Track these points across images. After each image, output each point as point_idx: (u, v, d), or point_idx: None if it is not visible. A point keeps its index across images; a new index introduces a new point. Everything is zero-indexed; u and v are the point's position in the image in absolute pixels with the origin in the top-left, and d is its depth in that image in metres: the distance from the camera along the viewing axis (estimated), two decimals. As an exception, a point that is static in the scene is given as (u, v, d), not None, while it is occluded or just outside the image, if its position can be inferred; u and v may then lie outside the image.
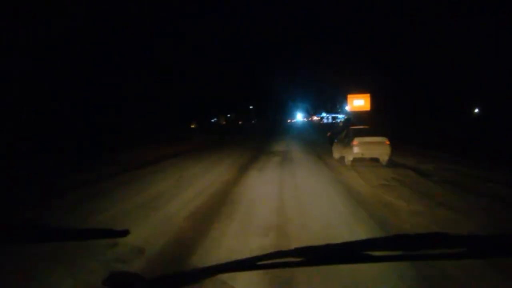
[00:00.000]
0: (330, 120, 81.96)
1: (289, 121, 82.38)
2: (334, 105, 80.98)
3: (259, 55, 79.31)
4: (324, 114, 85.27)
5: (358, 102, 23.94)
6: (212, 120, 64.31)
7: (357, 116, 23.45)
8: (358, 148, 10.68)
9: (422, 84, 22.79)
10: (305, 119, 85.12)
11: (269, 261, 0.95)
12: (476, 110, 27.63)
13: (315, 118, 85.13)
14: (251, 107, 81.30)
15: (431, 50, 22.08)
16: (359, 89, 24.35)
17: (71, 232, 1.44)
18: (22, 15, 13.13)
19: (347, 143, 11.19)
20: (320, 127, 46.31)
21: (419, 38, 22.75)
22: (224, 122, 29.92)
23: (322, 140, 19.71)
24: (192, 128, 33.80)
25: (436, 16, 19.97)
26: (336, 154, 12.59)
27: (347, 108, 26.58)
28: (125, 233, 1.26)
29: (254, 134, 32.08)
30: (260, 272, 2.23)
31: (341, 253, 0.97)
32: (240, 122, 71.35)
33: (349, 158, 11.01)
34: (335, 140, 13.26)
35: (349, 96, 24.95)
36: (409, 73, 23.02)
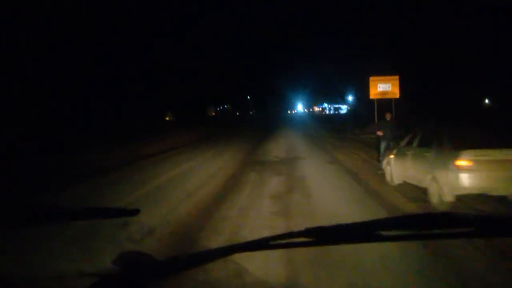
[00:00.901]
0: (332, 111, 77.10)
1: (289, 112, 76.74)
2: (337, 95, 75.78)
3: (259, 47, 74.12)
4: (325, 105, 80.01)
5: (384, 87, 17.58)
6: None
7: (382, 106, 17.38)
8: (474, 174, 4.41)
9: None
10: (305, 110, 79.65)
11: (281, 241, 0.96)
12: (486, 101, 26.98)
13: (316, 109, 79.46)
14: (248, 97, 75.24)
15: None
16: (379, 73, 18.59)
17: (79, 212, 1.17)
18: (22, 14, 13.52)
19: (439, 161, 4.90)
20: (324, 119, 39.86)
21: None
22: (213, 114, 23.15)
23: (337, 138, 15.84)
24: (167, 120, 27.22)
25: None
26: (397, 177, 6.25)
27: (372, 95, 19.48)
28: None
29: (248, 128, 25.63)
30: (272, 254, 2.23)
31: (351, 233, 1.00)
32: (237, 113, 66.39)
33: (447, 196, 4.67)
34: (393, 150, 6.85)
35: (371, 79, 18.35)
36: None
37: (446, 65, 21.17)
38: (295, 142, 14.76)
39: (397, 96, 16.61)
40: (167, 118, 27.01)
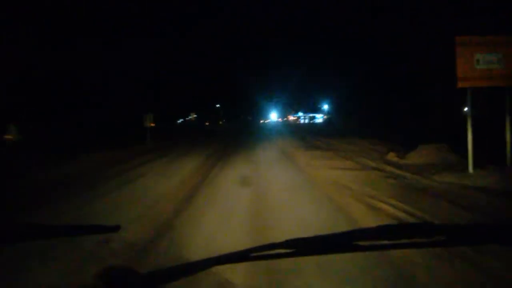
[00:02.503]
0: (307, 120, 73.62)
1: (262, 121, 72.07)
2: (312, 103, 72.70)
3: (231, 52, 69.78)
4: (300, 114, 76.41)
5: (488, 59, 6.79)
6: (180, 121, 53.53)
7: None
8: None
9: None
10: (279, 119, 75.19)
11: (262, 253, 0.98)
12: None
13: (291, 118, 75.33)
14: (217, 105, 70.03)
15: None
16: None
17: (58, 228, 1.15)
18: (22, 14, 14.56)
19: None
20: (300, 129, 35.02)
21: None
22: (151, 125, 17.17)
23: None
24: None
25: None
26: None
27: (461, 78, 5.93)
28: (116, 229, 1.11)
29: (204, 142, 20.01)
30: (254, 264, 2.25)
31: (331, 244, 1.02)
32: (207, 123, 61.18)
33: None
34: None
35: (459, 40, 6.89)
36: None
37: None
38: (272, 164, 9.64)
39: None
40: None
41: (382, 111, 35.46)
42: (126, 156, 12.20)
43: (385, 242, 0.98)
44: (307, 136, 21.01)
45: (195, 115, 65.55)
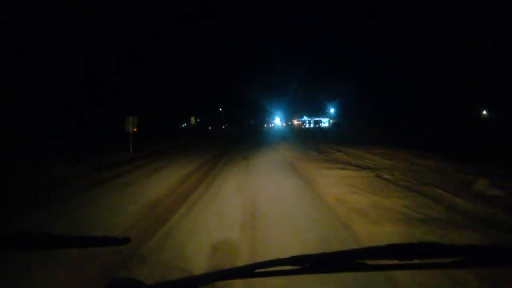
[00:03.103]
0: (312, 125, 69.89)
1: (266, 126, 68.22)
2: (318, 107, 68.72)
3: (231, 54, 66.31)
4: (305, 118, 72.59)
5: None
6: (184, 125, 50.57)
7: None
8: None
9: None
10: (284, 123, 71.19)
11: (266, 269, 0.97)
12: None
13: (296, 122, 71.22)
14: (220, 109, 66.09)
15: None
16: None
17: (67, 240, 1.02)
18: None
19: None
20: (307, 135, 31.02)
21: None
22: (134, 130, 13.13)
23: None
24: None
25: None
26: None
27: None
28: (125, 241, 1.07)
29: (201, 153, 15.87)
30: (256, 280, 1.86)
31: (337, 262, 1.01)
32: (210, 128, 57.61)
33: None
34: None
35: None
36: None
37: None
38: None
39: None
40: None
41: (397, 115, 31.85)
42: (79, 175, 8.21)
43: (393, 262, 0.94)
44: (320, 145, 16.89)
45: (198, 120, 61.60)
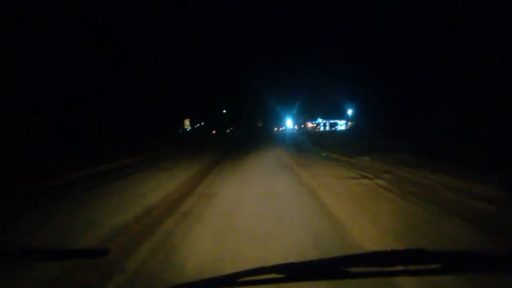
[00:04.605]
0: (328, 128, 64.23)
1: (276, 129, 63.04)
2: (334, 108, 62.61)
3: (239, 51, 61.73)
4: (319, 120, 66.75)
5: None
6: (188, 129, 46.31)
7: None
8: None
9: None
10: (296, 126, 65.01)
11: (251, 278, 0.95)
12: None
13: (309, 125, 65.56)
14: (224, 111, 61.19)
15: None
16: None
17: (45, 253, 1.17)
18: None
19: None
20: (325, 140, 25.72)
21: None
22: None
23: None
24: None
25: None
26: None
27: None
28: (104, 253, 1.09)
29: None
30: None
31: (321, 270, 0.99)
32: (214, 132, 53.08)
33: None
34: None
35: None
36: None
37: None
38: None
39: None
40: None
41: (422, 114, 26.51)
42: None
43: (377, 269, 0.93)
44: (352, 154, 11.65)
45: (201, 123, 56.67)
